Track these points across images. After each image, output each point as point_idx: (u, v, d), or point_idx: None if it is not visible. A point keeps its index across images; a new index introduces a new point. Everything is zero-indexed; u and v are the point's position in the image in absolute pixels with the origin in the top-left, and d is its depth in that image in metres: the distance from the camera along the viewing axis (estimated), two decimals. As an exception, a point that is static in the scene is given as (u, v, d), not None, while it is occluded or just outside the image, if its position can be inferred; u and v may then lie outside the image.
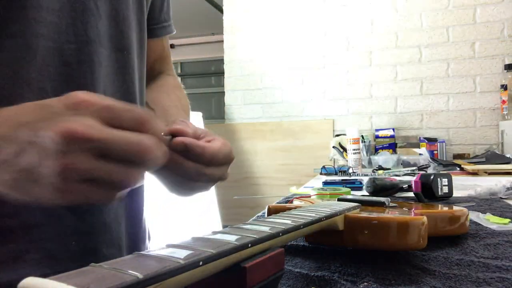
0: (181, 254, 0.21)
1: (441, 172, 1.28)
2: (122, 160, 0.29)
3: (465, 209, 0.57)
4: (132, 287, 0.16)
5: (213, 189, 2.63)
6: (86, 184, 0.29)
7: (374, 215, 0.45)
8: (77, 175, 0.28)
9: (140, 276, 0.17)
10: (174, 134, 0.41)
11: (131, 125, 0.30)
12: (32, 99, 0.40)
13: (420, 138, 2.40)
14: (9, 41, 0.41)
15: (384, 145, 2.35)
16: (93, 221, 0.48)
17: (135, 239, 0.57)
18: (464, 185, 1.12)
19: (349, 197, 0.62)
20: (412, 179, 0.87)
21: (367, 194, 0.97)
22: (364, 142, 2.02)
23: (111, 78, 0.49)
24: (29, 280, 0.16)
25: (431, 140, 2.33)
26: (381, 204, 0.56)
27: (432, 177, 0.82)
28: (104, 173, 0.29)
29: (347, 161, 1.78)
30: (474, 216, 0.67)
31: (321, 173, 1.66)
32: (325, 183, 1.22)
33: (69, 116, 0.28)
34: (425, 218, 0.43)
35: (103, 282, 0.16)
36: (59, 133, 0.27)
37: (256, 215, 0.78)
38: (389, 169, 1.69)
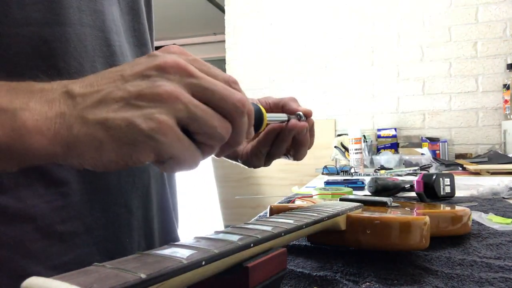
0: (184, 254, 0.21)
1: (443, 172, 1.28)
2: (219, 108, 0.28)
3: (467, 209, 0.56)
4: (135, 287, 0.17)
5: (215, 189, 2.64)
6: (181, 135, 0.27)
7: (376, 215, 0.45)
8: (181, 113, 0.26)
9: (143, 275, 0.17)
10: (305, 114, 0.45)
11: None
12: None
13: (422, 138, 2.39)
14: (56, 29, 0.38)
15: (386, 145, 2.35)
16: (144, 217, 0.48)
17: (168, 231, 0.57)
18: (466, 185, 1.11)
19: (351, 197, 0.62)
20: (414, 179, 0.86)
21: (369, 194, 0.96)
22: (366, 142, 2.02)
23: None
24: (33, 280, 0.16)
25: (433, 140, 2.32)
26: (383, 204, 0.56)
27: (434, 177, 0.82)
28: (205, 116, 0.27)
29: (349, 161, 1.78)
30: (477, 216, 0.67)
31: (323, 173, 1.66)
32: (327, 183, 1.22)
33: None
34: (427, 218, 0.43)
35: (106, 281, 0.16)
36: (162, 63, 0.27)
37: (258, 215, 0.78)
38: (391, 169, 1.69)
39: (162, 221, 0.54)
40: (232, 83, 0.30)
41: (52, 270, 0.38)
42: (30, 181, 0.38)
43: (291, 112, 0.45)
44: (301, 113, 0.44)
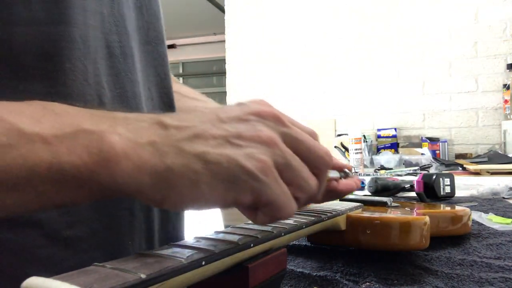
0: (184, 253, 0.21)
1: (443, 172, 1.28)
2: (307, 160, 0.28)
3: (467, 209, 0.56)
4: (135, 287, 0.17)
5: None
6: (280, 178, 0.26)
7: (376, 215, 0.45)
8: (279, 159, 0.26)
9: (143, 276, 0.17)
10: (345, 171, 0.42)
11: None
12: (93, 96, 0.37)
13: (422, 138, 2.39)
14: (62, 29, 0.37)
15: (386, 145, 2.35)
16: (146, 218, 0.48)
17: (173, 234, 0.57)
18: (466, 185, 1.11)
19: (351, 197, 0.62)
20: (414, 179, 0.86)
21: (369, 194, 0.96)
22: (366, 142, 2.02)
23: (146, 72, 0.48)
24: (33, 280, 0.16)
25: (433, 140, 2.32)
26: (383, 204, 0.56)
27: (434, 177, 0.82)
28: (298, 167, 0.27)
29: (349, 161, 1.78)
30: (477, 216, 0.67)
31: (323, 173, 1.66)
32: (327, 183, 1.22)
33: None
34: (427, 218, 0.43)
35: (106, 281, 0.16)
36: (259, 111, 0.27)
37: (258, 215, 0.78)
38: (391, 169, 1.69)
39: (162, 222, 0.54)
40: (316, 136, 0.31)
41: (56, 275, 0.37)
42: None
43: (338, 169, 0.43)
44: (347, 170, 0.43)
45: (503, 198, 0.90)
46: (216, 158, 0.24)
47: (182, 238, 0.59)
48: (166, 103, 0.51)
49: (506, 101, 2.26)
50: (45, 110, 0.23)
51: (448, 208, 0.57)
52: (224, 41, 2.95)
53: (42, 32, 0.37)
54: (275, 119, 0.28)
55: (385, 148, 2.31)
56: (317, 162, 0.29)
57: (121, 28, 0.44)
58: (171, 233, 0.57)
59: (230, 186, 0.24)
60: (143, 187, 0.23)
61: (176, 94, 0.57)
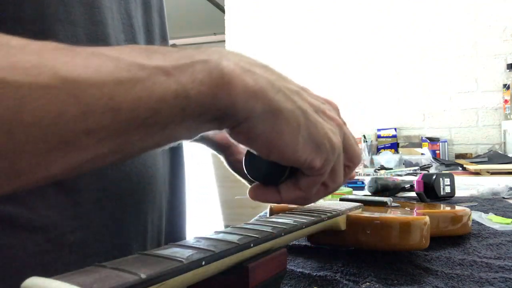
0: (184, 254, 0.21)
1: (443, 172, 1.28)
2: (346, 153, 0.33)
3: (467, 209, 0.56)
4: (135, 287, 0.17)
5: (215, 189, 2.64)
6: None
7: (376, 215, 0.45)
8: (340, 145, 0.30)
9: (143, 275, 0.17)
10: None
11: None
12: None
13: (422, 138, 2.39)
14: (72, 30, 0.36)
15: (386, 145, 2.35)
16: (152, 222, 0.48)
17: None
18: (466, 185, 1.11)
19: (351, 197, 0.62)
20: (414, 179, 0.86)
21: (369, 194, 0.96)
22: (366, 141, 2.02)
23: None
24: (33, 280, 0.16)
25: (433, 140, 2.32)
26: (383, 204, 0.56)
27: (434, 177, 0.82)
28: (340, 161, 0.32)
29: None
30: (477, 216, 0.67)
31: (323, 173, 1.66)
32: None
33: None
34: (427, 218, 0.43)
35: (106, 281, 0.16)
36: (327, 99, 0.33)
37: (258, 215, 0.78)
38: (391, 169, 1.69)
39: (169, 224, 0.54)
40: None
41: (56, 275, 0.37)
42: (42, 189, 0.36)
43: None
44: None
45: (503, 198, 0.90)
46: (315, 121, 0.28)
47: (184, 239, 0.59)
48: None
49: (506, 101, 2.26)
50: (148, 49, 0.24)
51: (448, 208, 0.57)
52: (224, 41, 2.95)
53: (81, 32, 0.37)
54: (337, 110, 0.33)
55: (385, 148, 2.32)
56: (354, 158, 0.33)
57: (129, 27, 0.44)
58: (177, 234, 0.57)
59: (315, 148, 0.28)
60: (254, 113, 0.25)
61: None
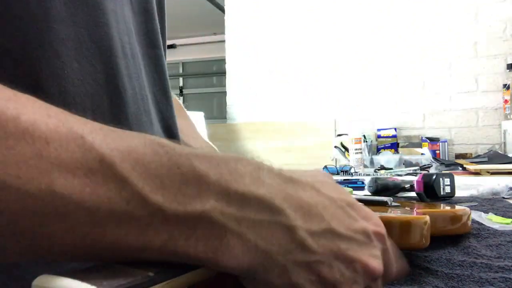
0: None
1: (443, 172, 1.28)
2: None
3: (467, 209, 0.57)
4: (143, 285, 0.17)
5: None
6: None
7: (376, 214, 0.45)
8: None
9: (151, 273, 0.18)
10: None
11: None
12: (121, 105, 0.36)
13: (422, 138, 2.40)
14: (75, 30, 0.35)
15: (386, 145, 2.35)
16: None
17: None
18: (466, 185, 1.12)
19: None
20: (414, 179, 0.87)
21: (369, 194, 0.97)
22: (366, 142, 2.03)
23: (150, 76, 0.47)
24: (43, 278, 0.17)
25: (433, 140, 2.33)
26: (384, 204, 0.56)
27: (434, 177, 0.82)
28: None
29: (349, 161, 1.78)
30: (477, 215, 0.67)
31: (323, 173, 1.66)
32: (327, 183, 1.22)
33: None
34: (427, 217, 0.44)
35: (115, 279, 0.17)
36: (366, 230, 0.28)
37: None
38: (391, 169, 1.69)
39: None
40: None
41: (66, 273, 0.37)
42: None
43: None
44: None
45: (503, 198, 0.90)
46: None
47: None
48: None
49: (506, 101, 2.27)
50: (169, 165, 0.20)
51: (448, 208, 0.58)
52: (224, 41, 2.95)
53: (83, 33, 0.37)
54: (382, 240, 0.29)
55: (385, 148, 2.32)
56: (385, 280, 0.30)
57: (130, 30, 0.44)
58: None
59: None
60: (251, 276, 0.23)
61: (185, 136, 0.56)
